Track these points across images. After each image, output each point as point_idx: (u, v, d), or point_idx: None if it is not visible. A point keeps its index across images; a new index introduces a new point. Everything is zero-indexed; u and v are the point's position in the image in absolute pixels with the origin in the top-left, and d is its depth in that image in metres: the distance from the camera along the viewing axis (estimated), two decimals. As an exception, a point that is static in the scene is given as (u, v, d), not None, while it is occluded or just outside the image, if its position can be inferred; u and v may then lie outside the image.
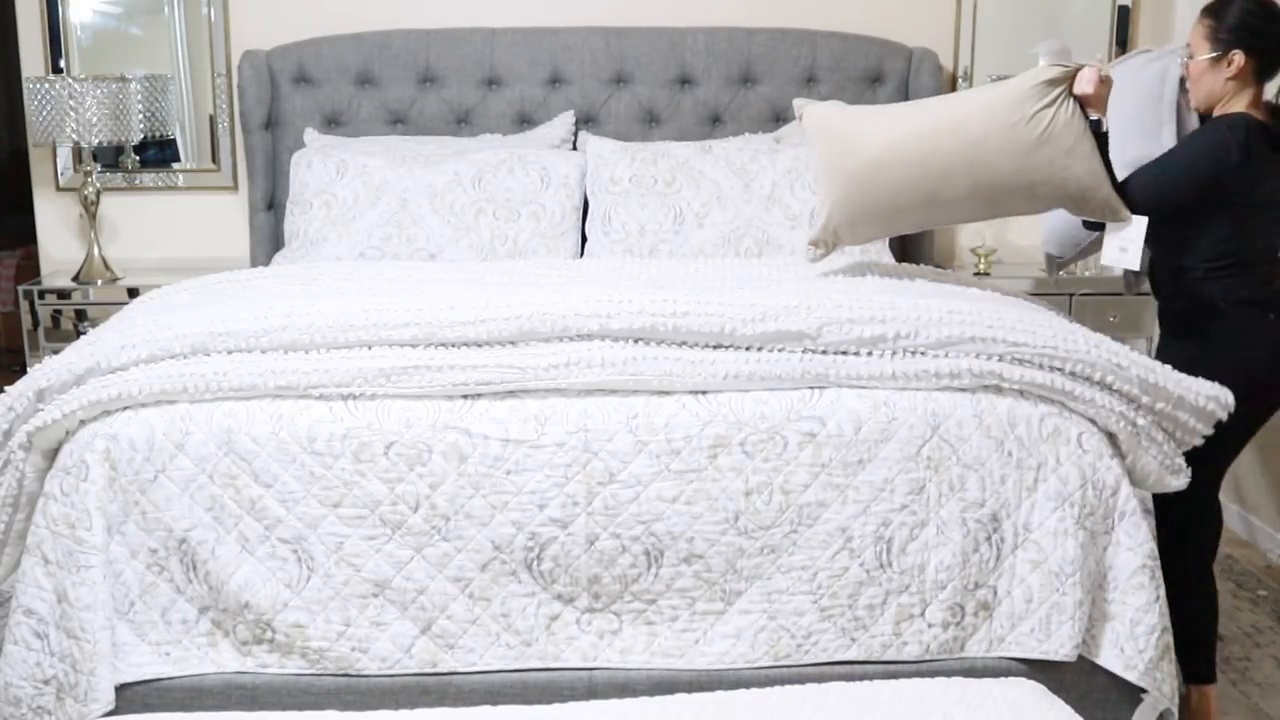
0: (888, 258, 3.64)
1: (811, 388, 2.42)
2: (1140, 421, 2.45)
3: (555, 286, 2.74)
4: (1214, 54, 2.65)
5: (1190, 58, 2.72)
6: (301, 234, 3.71)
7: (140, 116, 4.05)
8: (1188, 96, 2.81)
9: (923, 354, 2.44)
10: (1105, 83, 2.67)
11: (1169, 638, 2.44)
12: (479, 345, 2.45)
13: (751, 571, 2.38)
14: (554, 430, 2.35)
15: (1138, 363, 2.45)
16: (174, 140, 4.26)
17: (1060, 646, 2.38)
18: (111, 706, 2.29)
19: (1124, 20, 4.23)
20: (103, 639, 2.30)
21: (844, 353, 2.44)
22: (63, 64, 4.13)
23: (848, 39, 4.08)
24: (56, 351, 3.01)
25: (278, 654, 2.36)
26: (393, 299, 2.58)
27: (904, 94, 4.07)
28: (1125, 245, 2.67)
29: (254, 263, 4.04)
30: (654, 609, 2.39)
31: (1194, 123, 2.84)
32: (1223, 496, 4.03)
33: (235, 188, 4.25)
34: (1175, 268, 2.73)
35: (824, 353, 2.44)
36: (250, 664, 2.36)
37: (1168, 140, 2.82)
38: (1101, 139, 2.67)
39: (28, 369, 2.61)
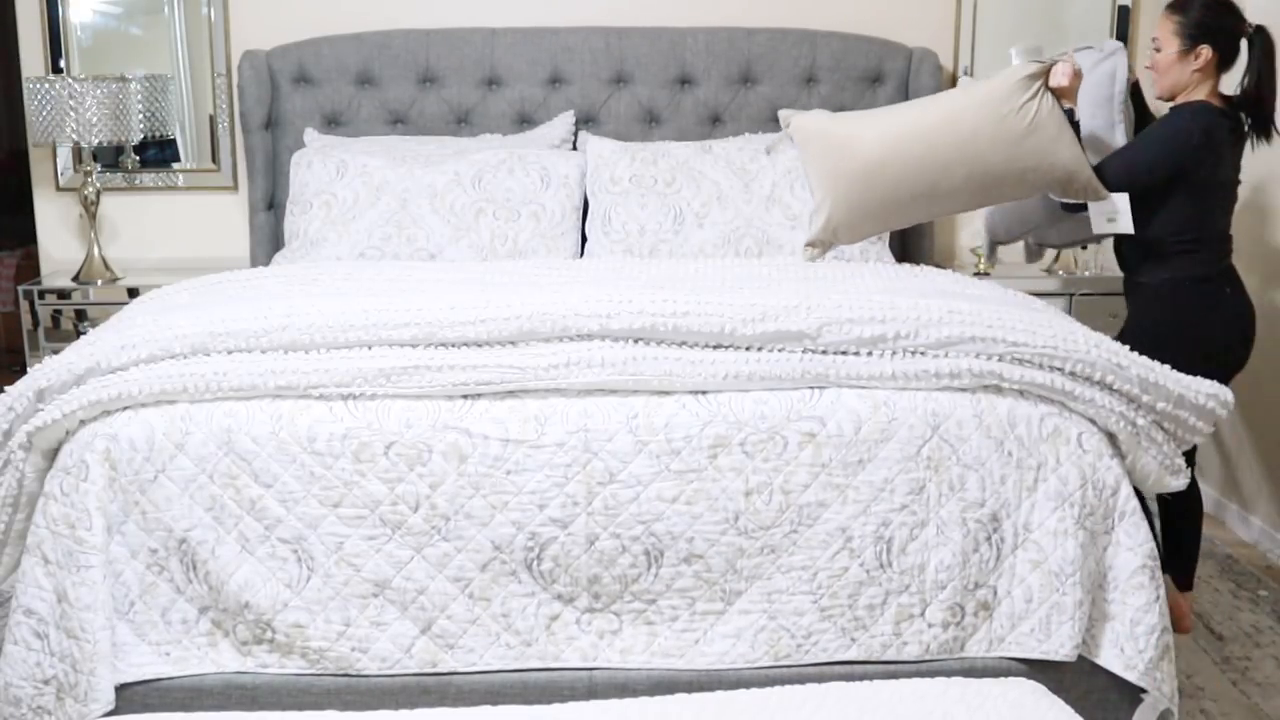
0: (888, 258, 3.65)
1: (811, 388, 2.42)
2: (1140, 421, 2.46)
3: (555, 286, 2.74)
4: (1183, 48, 2.95)
5: (1158, 50, 3.01)
6: (301, 234, 3.71)
7: (140, 116, 4.05)
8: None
9: (923, 354, 2.44)
10: (1078, 75, 3.01)
11: (1169, 638, 2.43)
12: (479, 345, 2.45)
13: (751, 571, 2.38)
14: (554, 430, 2.35)
15: (1138, 362, 2.45)
16: (174, 140, 4.26)
17: (1060, 646, 2.38)
18: (111, 706, 2.29)
19: (1124, 20, 4.24)
20: (103, 639, 2.29)
21: (844, 353, 2.44)
22: (63, 64, 4.13)
23: (848, 39, 4.08)
24: (56, 351, 3.01)
25: (278, 654, 2.36)
26: (393, 299, 2.58)
27: (904, 94, 4.07)
28: (1112, 215, 3.00)
29: (254, 263, 4.04)
30: (654, 609, 2.39)
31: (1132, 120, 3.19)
32: (1223, 496, 4.05)
33: (235, 188, 4.25)
34: (1142, 243, 3.03)
35: (824, 353, 2.44)
36: (250, 664, 2.36)
37: (1120, 139, 3.13)
38: (1074, 126, 3.00)
39: (28, 369, 2.61)
